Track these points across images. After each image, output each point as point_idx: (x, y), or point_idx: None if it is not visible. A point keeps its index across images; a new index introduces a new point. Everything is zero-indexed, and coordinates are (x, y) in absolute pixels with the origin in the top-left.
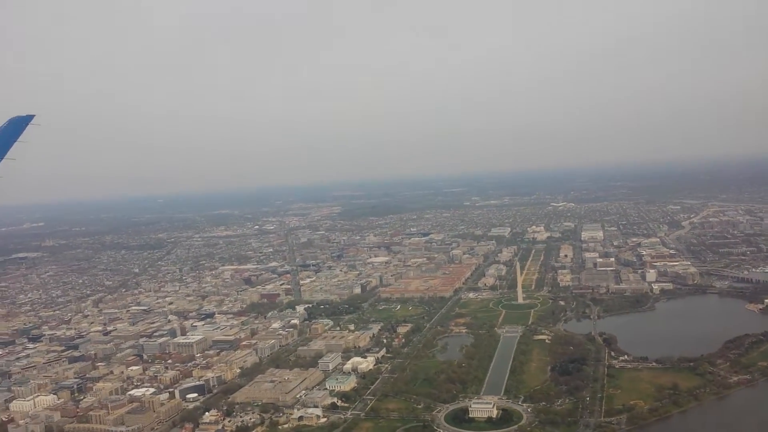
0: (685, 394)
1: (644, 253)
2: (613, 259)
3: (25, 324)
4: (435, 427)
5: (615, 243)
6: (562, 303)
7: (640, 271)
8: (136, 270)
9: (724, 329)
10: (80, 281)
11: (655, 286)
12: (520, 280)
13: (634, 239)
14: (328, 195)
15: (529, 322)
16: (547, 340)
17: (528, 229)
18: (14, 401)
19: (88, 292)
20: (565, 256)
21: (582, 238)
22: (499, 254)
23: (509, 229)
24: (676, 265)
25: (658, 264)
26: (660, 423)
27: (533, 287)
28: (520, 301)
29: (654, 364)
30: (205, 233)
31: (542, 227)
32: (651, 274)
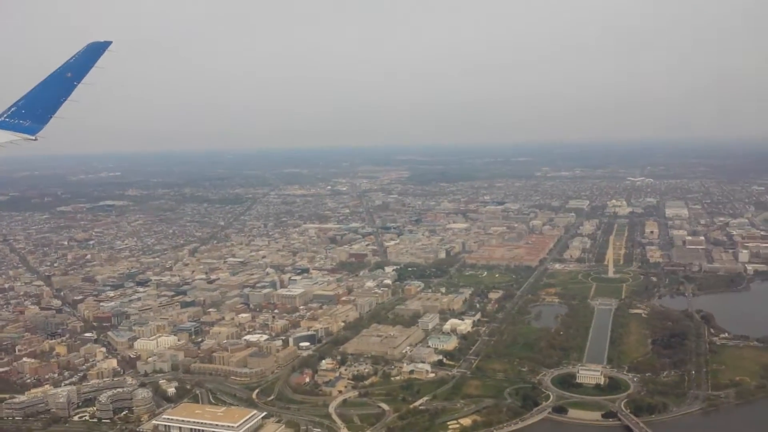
0: None
1: (734, 233)
2: (702, 238)
3: (129, 269)
4: (543, 390)
5: (702, 222)
6: (654, 279)
7: (731, 250)
8: (222, 223)
9: None
10: (170, 231)
11: (749, 267)
12: (611, 253)
13: (721, 219)
14: (393, 159)
15: (622, 296)
16: (643, 314)
17: (608, 203)
18: (138, 340)
19: (182, 241)
20: (651, 232)
21: (666, 215)
22: (580, 227)
23: (587, 201)
24: None
25: (750, 245)
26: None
27: (621, 262)
28: (611, 274)
29: (756, 343)
30: (281, 191)
31: (623, 201)
32: (744, 255)
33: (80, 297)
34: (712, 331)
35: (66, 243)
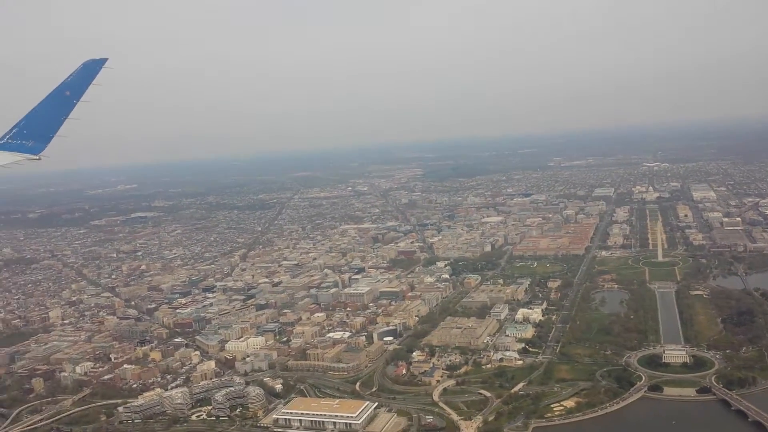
0: None
1: None
2: (738, 219)
3: (189, 277)
4: (633, 371)
5: (732, 203)
6: (703, 261)
7: None
8: (259, 228)
9: None
10: (211, 238)
11: None
12: (660, 238)
13: (749, 199)
14: (400, 157)
15: (678, 279)
16: (704, 296)
17: (632, 189)
18: (228, 343)
19: (228, 248)
20: (685, 215)
21: (694, 198)
22: (613, 214)
23: (612, 189)
24: None
25: None
26: None
27: (666, 246)
28: (660, 258)
29: None
30: (303, 194)
31: (647, 187)
32: None
33: (153, 305)
34: None
35: (115, 255)
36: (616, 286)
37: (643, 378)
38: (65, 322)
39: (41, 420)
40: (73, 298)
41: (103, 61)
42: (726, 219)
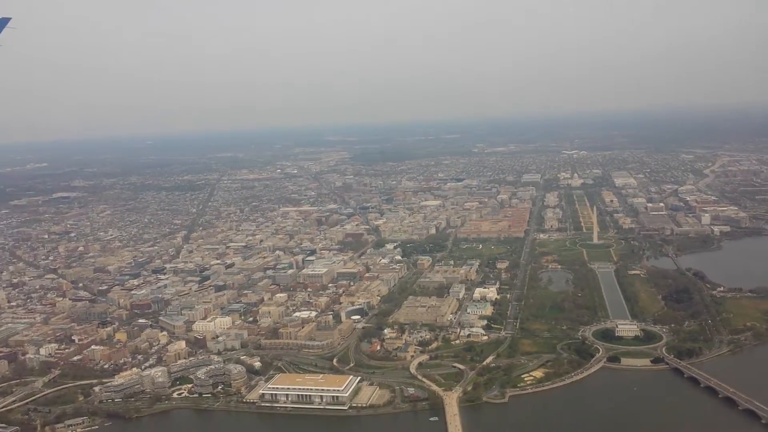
0: None
1: (689, 198)
2: (662, 204)
3: (134, 258)
4: (590, 344)
5: (653, 189)
6: (634, 243)
7: (692, 215)
8: (194, 210)
9: None
10: (145, 220)
11: (715, 229)
12: (595, 223)
13: (668, 186)
14: (324, 140)
15: (615, 260)
16: (641, 275)
17: (558, 175)
18: (196, 323)
19: (167, 230)
20: (611, 201)
21: (616, 185)
22: (544, 199)
23: (539, 175)
24: (726, 209)
25: (708, 209)
26: None
27: (599, 229)
28: (596, 241)
29: (749, 293)
30: (231, 176)
31: (571, 174)
32: (706, 218)
33: (104, 287)
34: (708, 285)
35: (47, 236)
36: (559, 266)
37: (601, 350)
38: (12, 304)
39: (14, 402)
40: (14, 280)
41: (5, 21)
42: (650, 204)
